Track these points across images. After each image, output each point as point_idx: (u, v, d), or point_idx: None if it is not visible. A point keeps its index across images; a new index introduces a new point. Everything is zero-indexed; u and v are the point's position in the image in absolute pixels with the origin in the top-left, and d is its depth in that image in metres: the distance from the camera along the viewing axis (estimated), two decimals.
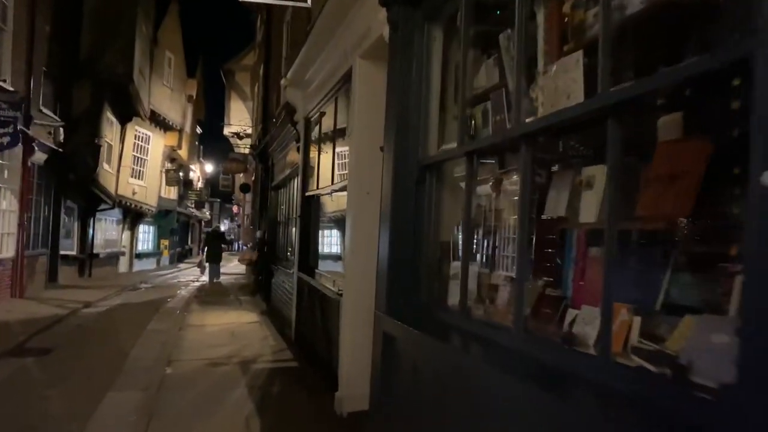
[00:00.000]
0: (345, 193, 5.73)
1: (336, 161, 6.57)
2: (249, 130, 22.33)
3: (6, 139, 10.00)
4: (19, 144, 12.16)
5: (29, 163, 12.75)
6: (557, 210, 2.38)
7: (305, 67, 7.48)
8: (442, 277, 3.17)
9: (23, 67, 12.44)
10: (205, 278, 19.06)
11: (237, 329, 9.77)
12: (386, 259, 3.25)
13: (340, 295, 5.60)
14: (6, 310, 10.84)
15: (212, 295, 15.10)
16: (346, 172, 6.18)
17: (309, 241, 8.33)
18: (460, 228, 2.95)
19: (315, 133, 7.95)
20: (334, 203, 7.37)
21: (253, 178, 18.73)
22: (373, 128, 5.25)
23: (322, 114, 7.40)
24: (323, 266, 7.88)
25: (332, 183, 6.67)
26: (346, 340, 5.27)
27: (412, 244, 3.21)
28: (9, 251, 12.18)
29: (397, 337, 3.05)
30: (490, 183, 2.93)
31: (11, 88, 11.55)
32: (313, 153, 8.12)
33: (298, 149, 8.92)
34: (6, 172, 11.92)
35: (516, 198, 2.50)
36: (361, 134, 5.30)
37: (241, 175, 22.52)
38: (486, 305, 2.79)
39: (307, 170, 8.43)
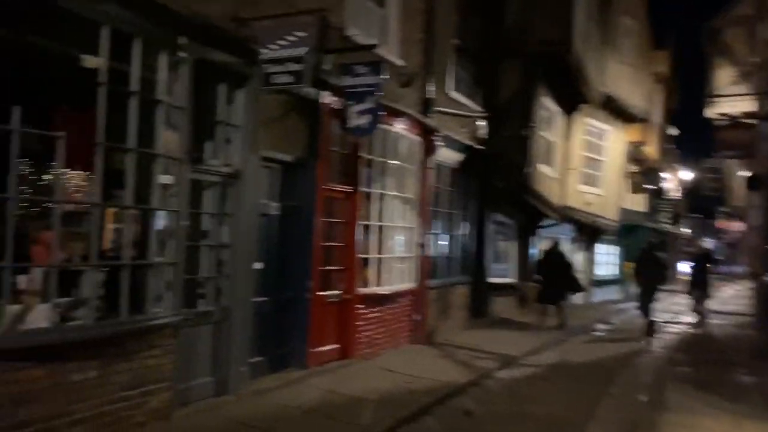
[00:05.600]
0: None
1: None
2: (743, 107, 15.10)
3: (366, 119, 6.72)
4: (413, 136, 9.02)
5: (429, 164, 9.51)
6: None
7: None
8: None
9: (419, 36, 9.32)
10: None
11: None
12: None
13: None
14: (385, 369, 7.54)
15: (699, 364, 9.03)
16: None
17: None
18: None
19: None
20: None
21: None
22: None
23: None
24: None
25: None
26: None
27: None
28: (408, 281, 9.07)
29: None
30: None
31: (398, 60, 8.46)
32: None
33: None
34: (402, 177, 8.86)
35: None
36: None
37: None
38: None
39: None
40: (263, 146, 6.33)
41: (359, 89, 6.72)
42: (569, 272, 12.53)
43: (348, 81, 6.80)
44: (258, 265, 6.32)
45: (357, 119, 6.76)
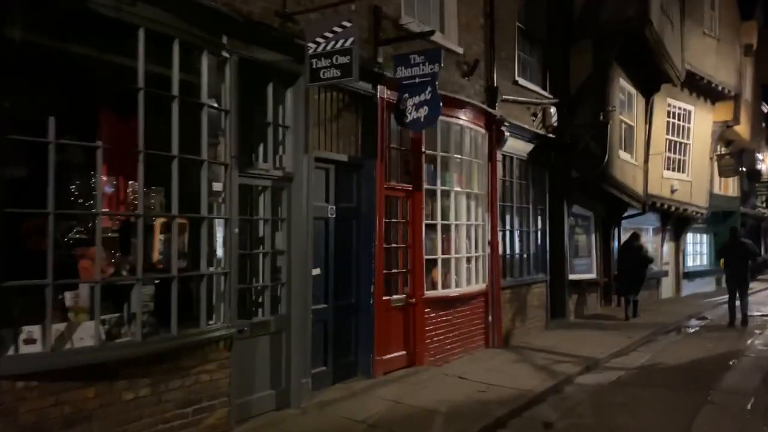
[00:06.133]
0: None
1: None
2: None
3: (423, 111, 6.30)
4: (479, 128, 8.49)
5: (497, 157, 8.96)
6: None
7: None
8: None
9: (480, 21, 8.80)
10: None
11: None
12: None
13: None
14: (455, 376, 7.08)
15: None
16: None
17: None
18: None
19: None
20: None
21: None
22: None
23: None
24: None
25: None
26: None
27: None
28: (478, 282, 8.57)
29: None
30: None
31: (457, 48, 8.01)
32: None
33: None
34: (468, 171, 8.36)
35: None
36: None
37: None
38: None
39: None
40: (316, 146, 6.04)
41: (416, 80, 6.31)
42: (643, 265, 12.35)
43: (403, 72, 6.41)
44: (316, 271, 6.03)
45: (415, 112, 6.35)
